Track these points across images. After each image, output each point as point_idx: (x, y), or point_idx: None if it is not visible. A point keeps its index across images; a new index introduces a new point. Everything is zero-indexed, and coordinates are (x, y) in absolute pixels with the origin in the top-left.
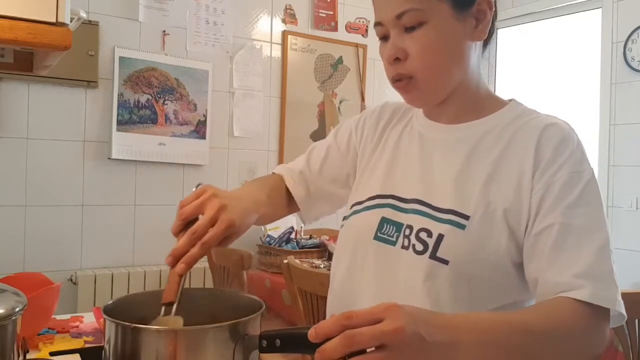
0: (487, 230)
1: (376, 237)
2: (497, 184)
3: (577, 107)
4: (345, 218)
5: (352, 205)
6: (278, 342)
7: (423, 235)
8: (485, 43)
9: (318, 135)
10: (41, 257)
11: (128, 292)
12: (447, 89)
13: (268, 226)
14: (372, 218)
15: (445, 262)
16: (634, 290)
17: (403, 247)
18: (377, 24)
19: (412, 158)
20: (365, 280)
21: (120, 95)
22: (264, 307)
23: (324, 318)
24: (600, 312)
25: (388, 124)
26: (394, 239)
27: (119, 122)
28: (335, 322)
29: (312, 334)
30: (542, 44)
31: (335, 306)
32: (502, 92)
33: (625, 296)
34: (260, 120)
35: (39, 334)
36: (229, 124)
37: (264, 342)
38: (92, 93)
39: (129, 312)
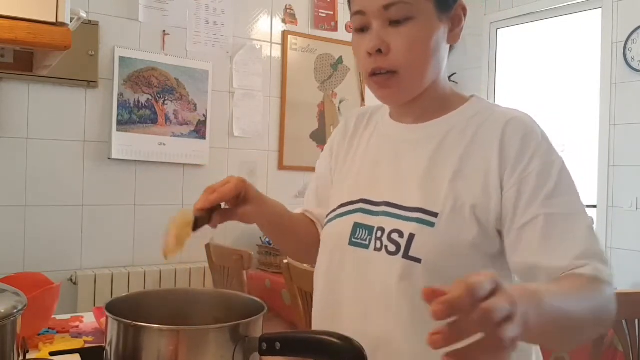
0: (456, 226)
1: (351, 243)
2: (464, 179)
3: (577, 107)
4: (323, 228)
5: (327, 215)
6: (278, 345)
7: (395, 236)
8: (451, 49)
9: (318, 135)
10: (41, 257)
11: (128, 292)
12: (422, 87)
13: None
14: (345, 224)
15: (418, 260)
16: (634, 290)
17: (376, 249)
18: (358, 12)
19: (381, 161)
20: (345, 285)
21: (120, 95)
22: (266, 309)
23: None
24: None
25: (355, 134)
26: (367, 242)
27: (119, 122)
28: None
29: (439, 311)
30: (542, 44)
31: (320, 315)
32: (502, 92)
33: (625, 296)
34: (260, 120)
35: (39, 334)
36: (229, 124)
37: (264, 345)
38: (92, 93)
39: (131, 310)
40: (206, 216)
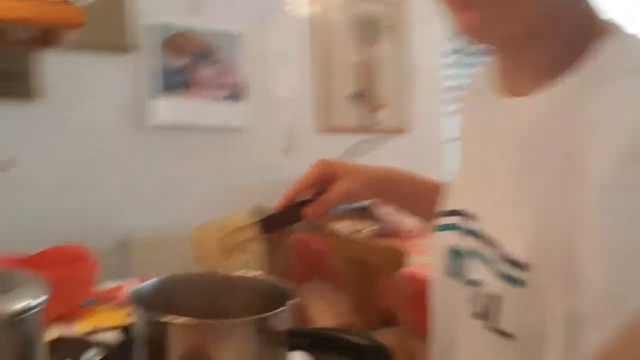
0: (554, 283)
1: (448, 273)
2: (562, 201)
3: None
4: None
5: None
6: (306, 342)
7: (474, 290)
8: None
9: (358, 96)
10: (88, 225)
11: (170, 261)
12: (531, 13)
13: None
14: (442, 244)
15: (510, 336)
16: None
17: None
18: None
19: (478, 156)
20: (458, 331)
21: (156, 61)
22: (296, 299)
23: (371, 287)
24: None
25: (479, 98)
26: (463, 273)
27: (156, 89)
28: None
29: None
30: None
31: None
32: None
33: None
34: (298, 83)
35: (82, 305)
36: (266, 86)
37: (292, 340)
38: (127, 60)
39: (162, 296)
40: (291, 214)
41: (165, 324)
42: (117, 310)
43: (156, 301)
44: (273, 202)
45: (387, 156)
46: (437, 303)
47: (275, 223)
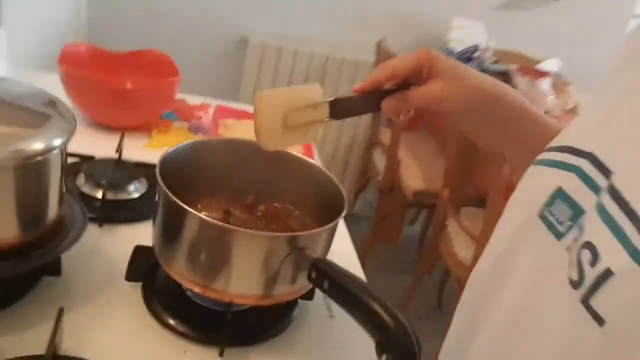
0: None
1: (541, 215)
2: None
3: None
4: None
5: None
6: (326, 283)
7: (585, 255)
8: None
9: None
10: (215, 16)
11: (291, 72)
12: None
13: (452, 36)
14: (547, 181)
15: (600, 320)
16: None
17: (568, 248)
18: None
19: None
20: (512, 276)
21: None
22: (335, 222)
23: (474, 165)
24: None
25: None
26: (563, 230)
27: None
28: None
29: None
30: None
31: (478, 282)
32: None
33: None
34: None
35: (162, 117)
36: None
37: (314, 273)
38: None
39: (195, 160)
40: (368, 102)
41: (185, 211)
42: (188, 134)
43: (188, 166)
44: (400, 41)
45: (557, 17)
46: (506, 236)
47: (348, 109)
